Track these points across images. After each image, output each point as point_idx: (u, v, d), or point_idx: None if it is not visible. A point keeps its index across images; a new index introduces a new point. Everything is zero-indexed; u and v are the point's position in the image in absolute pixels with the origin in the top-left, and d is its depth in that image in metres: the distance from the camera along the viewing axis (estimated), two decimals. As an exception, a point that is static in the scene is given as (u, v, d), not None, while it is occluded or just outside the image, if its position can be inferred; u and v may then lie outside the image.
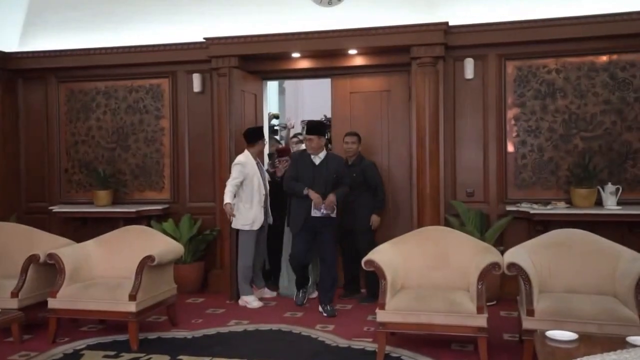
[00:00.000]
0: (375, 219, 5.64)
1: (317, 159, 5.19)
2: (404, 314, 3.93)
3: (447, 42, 5.58)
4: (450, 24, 5.53)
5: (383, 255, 4.21)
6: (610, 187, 5.28)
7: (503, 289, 5.39)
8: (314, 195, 5.06)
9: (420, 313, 3.89)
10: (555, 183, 5.63)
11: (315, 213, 5.10)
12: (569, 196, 5.46)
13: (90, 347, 4.34)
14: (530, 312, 3.70)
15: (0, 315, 3.71)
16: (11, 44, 6.64)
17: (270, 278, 6.26)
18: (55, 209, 6.48)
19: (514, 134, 5.73)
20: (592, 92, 5.54)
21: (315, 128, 5.22)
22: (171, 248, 4.77)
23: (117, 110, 6.64)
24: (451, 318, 3.84)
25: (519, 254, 4.04)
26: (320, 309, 5.21)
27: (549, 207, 5.33)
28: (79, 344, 4.41)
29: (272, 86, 8.92)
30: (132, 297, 4.28)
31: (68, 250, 4.70)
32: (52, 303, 4.43)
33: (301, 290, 5.57)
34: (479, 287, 3.87)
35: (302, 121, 8.47)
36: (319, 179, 5.13)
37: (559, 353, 2.60)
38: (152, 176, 6.57)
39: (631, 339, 2.70)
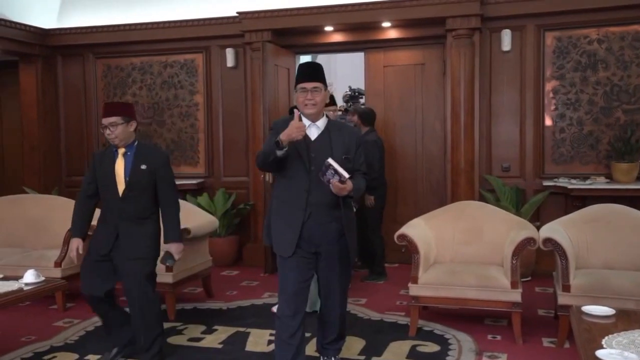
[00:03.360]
0: (369, 198, 5.29)
1: (313, 130, 3.00)
2: (436, 288, 3.93)
3: (484, 13, 5.45)
4: (487, -6, 5.39)
5: (416, 229, 4.20)
6: (652, 162, 5.13)
7: (538, 265, 5.32)
8: (295, 126, 2.80)
9: (453, 287, 3.88)
10: (595, 157, 5.48)
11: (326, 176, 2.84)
12: (609, 171, 5.32)
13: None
14: (566, 288, 3.65)
15: (45, 283, 3.84)
16: (50, 21, 6.76)
17: None
18: (94, 183, 6.64)
19: (552, 107, 5.58)
20: (636, 63, 5.34)
21: (316, 70, 3.03)
22: (206, 221, 4.84)
23: (153, 86, 6.73)
24: (484, 293, 3.82)
25: (555, 229, 3.97)
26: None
27: (587, 182, 5.21)
28: (119, 313, 4.55)
29: (304, 60, 8.87)
30: (169, 269, 4.38)
31: (107, 223, 4.82)
32: (93, 273, 4.57)
33: None
34: (513, 262, 3.83)
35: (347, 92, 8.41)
36: (321, 163, 2.85)
37: (595, 328, 2.55)
38: (187, 151, 6.66)
39: (671, 315, 2.64)
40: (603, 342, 2.35)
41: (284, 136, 2.79)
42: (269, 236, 3.13)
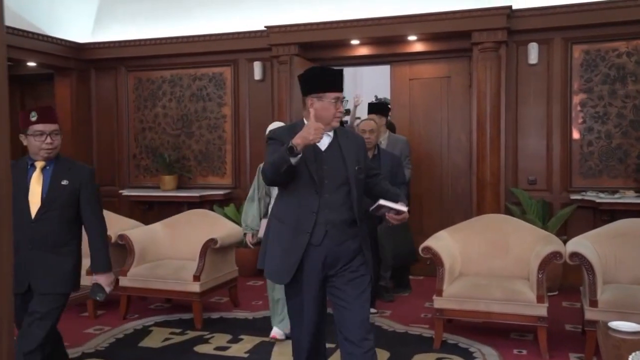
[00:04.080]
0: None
1: (324, 139, 2.67)
2: (461, 301, 3.93)
3: (510, 27, 5.45)
4: (513, 7, 5.39)
5: (441, 242, 4.21)
6: (683, 176, 5.05)
7: (565, 279, 5.26)
8: (314, 127, 2.48)
9: (478, 300, 3.88)
10: (624, 171, 5.42)
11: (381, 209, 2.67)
12: (638, 185, 5.25)
13: (157, 324, 4.58)
14: (594, 303, 3.62)
15: (78, 291, 3.96)
16: (85, 35, 6.98)
17: None
18: (125, 192, 6.82)
19: (580, 121, 5.55)
20: (666, 76, 5.29)
21: (342, 77, 2.74)
22: (233, 232, 4.92)
23: (182, 98, 6.88)
24: (510, 307, 3.81)
25: (582, 243, 3.94)
26: None
27: (616, 195, 5.15)
28: (148, 321, 4.66)
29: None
30: (196, 278, 4.47)
31: (137, 232, 4.95)
32: (123, 281, 4.69)
33: None
34: (540, 276, 3.81)
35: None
36: (334, 175, 2.66)
37: (622, 345, 2.54)
38: (214, 162, 6.78)
39: (700, 332, 2.60)
40: (630, 358, 2.33)
41: (299, 139, 2.43)
42: (263, 259, 2.76)
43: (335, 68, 2.74)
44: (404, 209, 2.62)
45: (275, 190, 3.97)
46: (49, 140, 2.86)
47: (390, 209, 2.61)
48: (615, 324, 2.78)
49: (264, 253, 2.77)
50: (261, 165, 4.09)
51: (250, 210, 4.22)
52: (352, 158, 2.69)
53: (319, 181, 2.61)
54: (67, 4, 6.69)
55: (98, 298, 3.07)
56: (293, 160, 2.46)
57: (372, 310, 4.46)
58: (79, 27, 6.90)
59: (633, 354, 2.39)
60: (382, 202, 2.60)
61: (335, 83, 2.67)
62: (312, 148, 2.60)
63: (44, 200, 2.84)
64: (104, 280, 3.02)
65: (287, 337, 3.99)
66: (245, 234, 4.28)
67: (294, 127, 2.69)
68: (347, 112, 4.68)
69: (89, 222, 2.99)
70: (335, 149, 2.70)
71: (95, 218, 3.00)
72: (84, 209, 2.95)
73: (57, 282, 2.89)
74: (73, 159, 7.55)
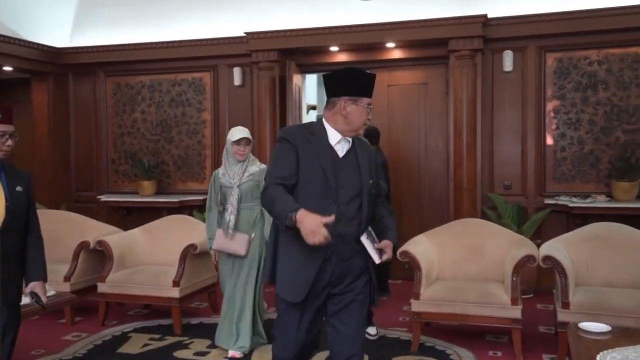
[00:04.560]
0: None
1: (344, 145, 2.49)
2: (438, 304, 3.99)
3: (486, 35, 5.57)
4: (489, 16, 5.51)
5: (418, 246, 4.27)
6: (652, 181, 5.20)
7: (540, 283, 5.37)
8: (318, 232, 2.18)
9: (454, 303, 3.95)
10: (595, 176, 5.56)
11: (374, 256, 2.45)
12: (610, 190, 5.39)
13: (136, 330, 4.56)
14: (566, 305, 3.72)
15: (55, 297, 3.94)
16: (63, 40, 6.93)
17: None
18: (103, 198, 6.78)
19: (553, 127, 5.68)
20: (636, 84, 5.44)
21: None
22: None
23: (161, 103, 6.87)
24: (485, 309, 3.89)
25: (555, 247, 4.04)
26: None
27: (588, 200, 5.28)
28: (126, 327, 4.64)
29: (310, 79, 9.01)
30: (176, 284, 4.47)
31: (116, 238, 4.93)
32: (102, 287, 4.67)
33: None
34: (514, 279, 3.90)
35: None
36: (350, 185, 2.45)
37: (592, 345, 2.63)
38: (194, 167, 6.78)
39: (666, 332, 2.70)
40: (598, 357, 2.42)
41: (300, 225, 2.17)
42: (274, 274, 2.50)
43: (370, 72, 2.50)
44: (377, 260, 2.38)
45: (235, 201, 3.87)
46: (9, 142, 2.72)
47: (368, 249, 2.39)
48: (585, 325, 2.87)
49: (273, 268, 2.51)
50: (216, 171, 4.08)
51: (211, 220, 4.08)
52: (367, 170, 2.49)
53: (336, 189, 2.39)
54: (45, 9, 6.64)
55: (40, 303, 2.89)
56: (287, 225, 2.25)
57: (373, 329, 4.29)
58: (56, 32, 6.86)
59: (601, 353, 2.48)
60: (362, 239, 2.39)
61: (371, 88, 2.49)
62: (329, 151, 2.43)
63: (8, 209, 2.62)
64: (40, 288, 2.86)
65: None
66: (211, 248, 4.06)
67: (310, 128, 2.49)
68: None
69: (32, 230, 2.86)
70: (352, 157, 2.49)
71: (37, 226, 2.90)
72: (30, 217, 2.84)
73: (18, 293, 2.83)
74: (51, 164, 7.39)
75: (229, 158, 4.00)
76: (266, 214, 3.84)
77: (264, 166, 4.02)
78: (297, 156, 2.39)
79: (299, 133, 2.46)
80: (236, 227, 3.90)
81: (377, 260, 2.39)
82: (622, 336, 2.74)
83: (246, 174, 3.95)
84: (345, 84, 2.44)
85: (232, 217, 3.89)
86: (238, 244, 3.89)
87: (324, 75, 2.52)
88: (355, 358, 2.46)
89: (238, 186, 3.93)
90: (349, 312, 2.47)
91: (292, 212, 2.20)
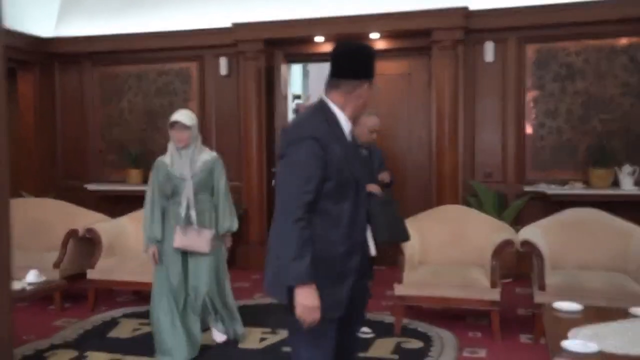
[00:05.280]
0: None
1: (345, 126, 2.14)
2: (420, 287, 4.13)
3: (468, 26, 5.69)
4: (470, 8, 5.63)
5: (401, 232, 4.39)
6: (627, 168, 5.37)
7: (520, 267, 5.53)
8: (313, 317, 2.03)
9: (435, 287, 4.09)
10: (573, 164, 5.73)
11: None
12: (586, 177, 5.57)
13: (126, 316, 4.65)
14: (542, 287, 3.87)
15: (44, 284, 4.01)
16: (48, 29, 6.93)
17: None
18: (90, 187, 6.82)
19: (533, 116, 5.83)
20: (612, 75, 5.60)
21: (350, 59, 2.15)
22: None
23: (148, 93, 6.91)
24: (465, 292, 4.03)
25: (532, 232, 4.20)
26: None
27: (566, 187, 5.45)
28: (116, 313, 4.73)
29: (295, 69, 9.10)
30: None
31: (105, 226, 5.00)
32: (91, 274, 4.74)
33: None
34: (493, 263, 4.05)
35: None
36: (363, 180, 2.22)
37: (563, 323, 2.77)
38: (181, 156, 6.83)
39: (634, 309, 2.85)
40: (569, 334, 2.56)
41: (300, 298, 1.97)
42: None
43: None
44: (374, 252, 2.23)
45: (191, 193, 3.49)
46: None
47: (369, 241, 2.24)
48: (559, 305, 3.02)
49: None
50: (160, 159, 3.67)
51: (154, 215, 3.68)
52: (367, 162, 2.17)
53: (363, 190, 2.11)
54: (30, -2, 6.64)
55: None
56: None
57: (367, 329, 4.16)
58: (42, 21, 6.85)
59: (572, 329, 2.62)
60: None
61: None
62: (349, 145, 2.08)
63: None
64: None
65: None
66: (148, 249, 3.68)
67: (323, 114, 2.07)
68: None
69: None
70: (355, 146, 2.21)
71: None
72: None
73: None
74: (37, 154, 7.36)
75: (174, 145, 3.64)
76: (221, 204, 3.65)
77: (214, 153, 3.76)
78: (326, 160, 1.97)
79: (323, 125, 2.02)
80: (197, 222, 3.59)
81: (373, 252, 2.24)
82: (593, 314, 2.89)
83: (199, 164, 3.64)
84: (366, 64, 2.13)
85: (193, 213, 3.57)
86: (203, 240, 3.58)
87: (343, 52, 2.14)
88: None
89: (192, 177, 3.60)
90: (353, 332, 2.32)
91: (305, 282, 1.95)
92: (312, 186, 1.96)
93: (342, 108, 2.11)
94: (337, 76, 2.11)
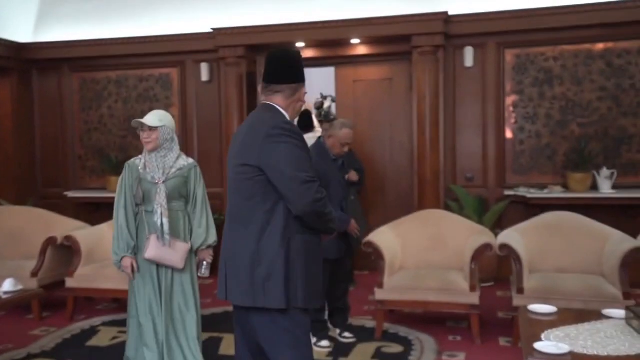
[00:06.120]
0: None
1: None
2: (401, 292, 4.14)
3: (447, 31, 5.73)
4: (450, 13, 5.67)
5: (381, 236, 4.41)
6: (605, 172, 5.43)
7: (500, 272, 5.58)
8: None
9: (416, 291, 4.10)
10: (552, 168, 5.79)
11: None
12: (565, 181, 5.62)
13: (105, 324, 4.61)
14: (520, 290, 3.90)
15: (20, 292, 3.95)
16: (25, 35, 6.86)
17: None
18: (70, 194, 6.75)
19: (513, 121, 5.88)
20: (589, 79, 5.67)
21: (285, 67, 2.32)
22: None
23: (128, 99, 6.87)
24: (445, 295, 4.05)
25: (511, 235, 4.23)
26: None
27: (545, 191, 5.50)
28: (95, 321, 4.68)
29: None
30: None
31: (84, 233, 4.95)
32: (70, 282, 4.69)
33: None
34: (472, 266, 4.07)
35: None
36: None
37: (538, 324, 2.79)
38: (162, 163, 6.79)
39: (606, 311, 2.89)
40: (542, 335, 2.59)
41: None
42: (296, 291, 2.23)
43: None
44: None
45: (163, 200, 3.20)
46: None
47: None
48: (534, 307, 3.05)
49: (287, 281, 2.21)
50: (132, 161, 3.45)
51: (129, 221, 3.33)
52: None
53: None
54: (7, 3, 6.57)
55: None
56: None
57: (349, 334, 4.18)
58: (19, 27, 6.78)
59: (546, 331, 2.65)
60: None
61: None
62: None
63: None
64: None
65: None
66: (121, 260, 3.29)
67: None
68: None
69: None
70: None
71: None
72: None
73: None
74: (15, 160, 7.31)
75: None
76: (197, 215, 3.38)
77: (191, 160, 3.46)
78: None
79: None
80: (171, 233, 3.26)
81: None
82: (567, 316, 2.92)
83: (173, 169, 3.33)
84: (302, 69, 2.32)
85: (166, 221, 3.23)
86: (178, 254, 3.26)
87: (281, 58, 2.28)
88: None
89: (164, 182, 3.29)
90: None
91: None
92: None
93: (286, 111, 2.30)
94: (277, 82, 2.28)
